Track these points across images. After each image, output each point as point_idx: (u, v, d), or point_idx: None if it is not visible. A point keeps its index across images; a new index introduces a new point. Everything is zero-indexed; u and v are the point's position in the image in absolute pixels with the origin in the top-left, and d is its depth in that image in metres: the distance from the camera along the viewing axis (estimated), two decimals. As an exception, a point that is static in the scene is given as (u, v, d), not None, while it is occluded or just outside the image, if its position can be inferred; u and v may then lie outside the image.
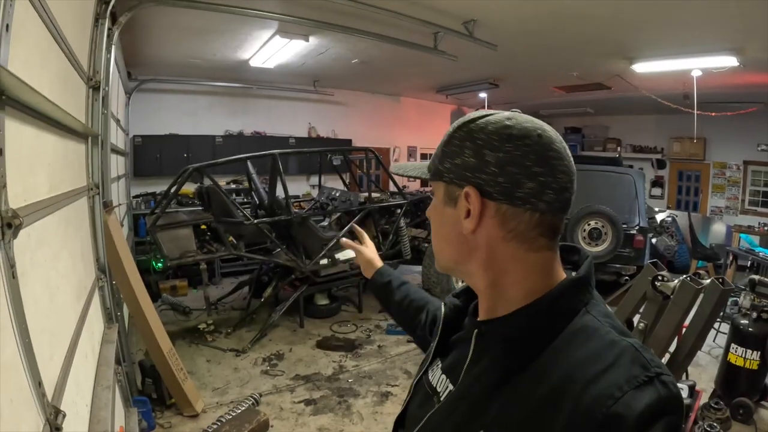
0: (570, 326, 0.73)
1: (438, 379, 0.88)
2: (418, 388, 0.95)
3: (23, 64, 1.27)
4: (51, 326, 1.52)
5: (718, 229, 9.76)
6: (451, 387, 0.83)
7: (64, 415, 1.38)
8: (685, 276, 2.44)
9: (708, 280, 2.40)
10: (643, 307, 2.65)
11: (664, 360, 2.65)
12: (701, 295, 2.38)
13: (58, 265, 1.70)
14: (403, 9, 4.55)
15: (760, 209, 9.99)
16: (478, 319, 0.85)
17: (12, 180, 1.16)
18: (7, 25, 1.08)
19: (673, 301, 2.44)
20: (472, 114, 0.81)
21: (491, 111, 0.80)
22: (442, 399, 0.84)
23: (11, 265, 1.15)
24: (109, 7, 2.74)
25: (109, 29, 2.98)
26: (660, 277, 2.47)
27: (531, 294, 0.76)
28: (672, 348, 2.82)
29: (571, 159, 0.77)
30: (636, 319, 2.70)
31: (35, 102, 1.31)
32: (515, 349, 0.74)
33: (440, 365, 0.91)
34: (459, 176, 0.78)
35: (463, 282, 0.95)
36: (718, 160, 10.42)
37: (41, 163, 1.55)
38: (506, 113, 0.78)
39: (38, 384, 1.26)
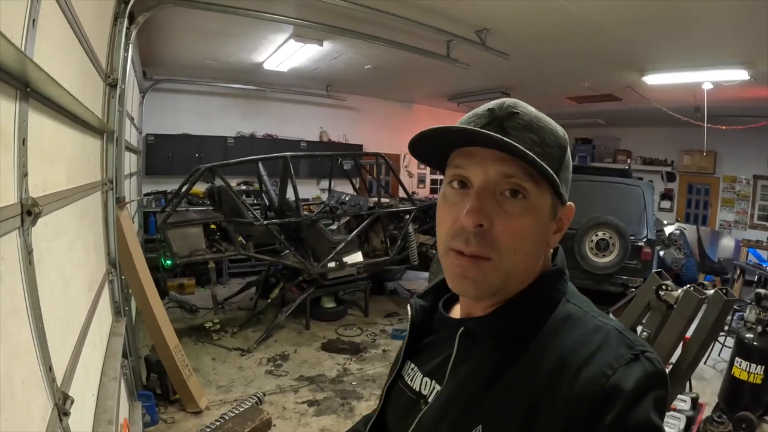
0: (554, 315, 0.75)
1: (421, 382, 0.87)
2: (394, 395, 0.93)
3: (47, 59, 1.32)
4: (63, 314, 1.56)
5: (727, 243, 9.68)
6: (438, 387, 0.83)
7: (72, 401, 1.42)
8: (688, 286, 2.45)
9: (712, 291, 2.41)
10: (646, 316, 2.66)
11: (667, 370, 2.63)
12: (704, 306, 2.40)
13: (72, 256, 1.74)
14: (417, 16, 4.59)
15: (769, 224, 9.92)
16: (462, 316, 0.86)
17: (33, 170, 1.21)
18: (34, 20, 1.13)
19: (676, 311, 2.45)
20: (546, 117, 0.77)
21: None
22: (429, 401, 0.82)
23: (29, 252, 1.19)
24: (129, 7, 2.80)
25: (126, 28, 3.04)
26: (664, 287, 2.48)
27: (520, 287, 0.78)
28: (674, 359, 2.83)
29: None
30: (639, 328, 2.71)
31: (57, 96, 1.36)
32: (505, 342, 0.75)
33: (417, 368, 0.90)
34: (566, 192, 0.78)
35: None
36: (728, 174, 10.36)
37: (61, 156, 1.60)
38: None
39: (49, 368, 1.30)
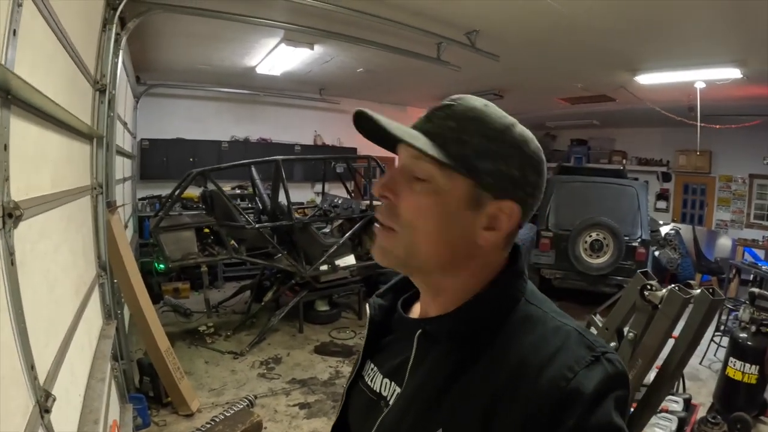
0: (513, 316, 0.75)
1: (381, 383, 0.86)
2: (354, 396, 0.93)
3: (30, 67, 1.35)
4: (48, 315, 1.59)
5: (724, 243, 9.70)
6: (398, 389, 0.82)
7: (54, 399, 1.44)
8: (673, 285, 2.47)
9: (698, 290, 2.43)
10: (632, 317, 2.68)
11: (652, 372, 2.65)
12: (691, 306, 2.42)
13: (57, 258, 1.77)
14: (407, 19, 4.62)
15: (765, 223, 9.94)
16: (419, 316, 0.86)
17: (15, 174, 1.24)
18: (14, 30, 1.16)
19: (661, 311, 2.46)
20: (495, 111, 0.76)
21: (506, 114, 0.77)
22: (390, 402, 0.82)
23: (10, 253, 1.22)
24: (117, 13, 2.84)
25: (117, 34, 3.07)
26: (649, 287, 2.50)
27: (479, 288, 0.77)
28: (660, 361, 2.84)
29: None
30: (625, 329, 2.72)
31: (40, 103, 1.39)
32: (464, 344, 0.75)
33: (376, 369, 0.89)
34: (500, 185, 0.74)
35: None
36: (723, 174, 10.38)
37: (45, 161, 1.62)
38: (525, 130, 0.77)
39: (30, 367, 1.32)
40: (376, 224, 0.79)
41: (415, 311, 0.90)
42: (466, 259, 0.77)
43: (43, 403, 1.36)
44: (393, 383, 0.83)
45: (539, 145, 0.78)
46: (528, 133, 0.77)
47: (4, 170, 1.18)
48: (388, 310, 0.94)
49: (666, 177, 11.04)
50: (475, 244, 0.75)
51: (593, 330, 2.87)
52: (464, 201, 0.73)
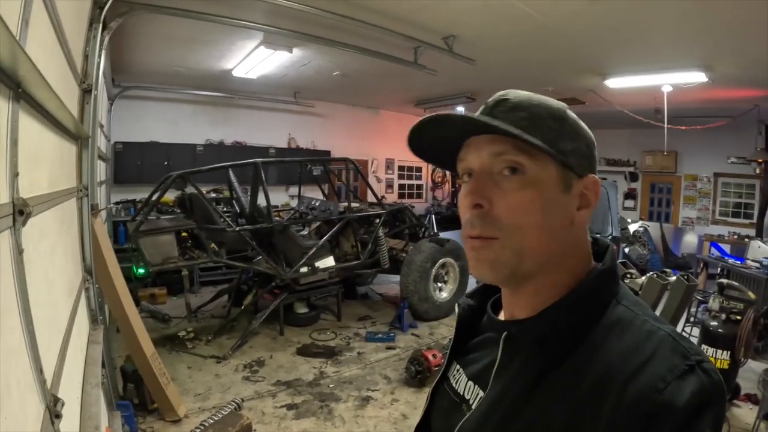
0: (604, 319, 0.71)
1: (465, 386, 0.85)
2: (438, 396, 0.92)
3: (35, 61, 1.33)
4: (49, 317, 1.56)
5: (690, 239, 10.08)
6: (481, 393, 0.79)
7: (63, 403, 1.42)
8: (652, 273, 2.58)
9: (674, 277, 2.54)
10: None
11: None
12: (667, 293, 2.53)
13: (54, 260, 1.74)
14: (386, 23, 4.68)
15: (730, 219, 10.36)
16: (506, 318, 0.83)
17: (21, 171, 1.22)
18: (26, 21, 1.15)
19: (641, 297, 2.57)
20: (545, 97, 0.77)
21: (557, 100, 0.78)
22: (473, 406, 0.80)
23: (20, 251, 1.20)
24: (103, 12, 2.80)
25: (100, 34, 3.02)
26: (629, 275, 2.60)
27: (569, 285, 0.74)
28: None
29: None
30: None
31: (44, 98, 1.37)
32: (550, 349, 0.71)
33: (462, 370, 0.87)
34: (580, 162, 0.74)
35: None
36: (689, 173, 10.79)
37: (44, 159, 1.60)
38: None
39: (39, 371, 1.30)
40: (470, 240, 0.75)
41: (503, 313, 0.87)
42: (569, 247, 0.75)
43: (53, 408, 1.34)
44: (477, 386, 0.82)
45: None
46: (569, 112, 0.77)
47: (14, 166, 1.16)
48: (477, 311, 0.92)
49: (633, 177, 11.39)
50: (572, 227, 0.74)
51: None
52: (559, 185, 0.72)
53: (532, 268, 0.73)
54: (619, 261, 2.79)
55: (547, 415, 0.67)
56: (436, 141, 0.78)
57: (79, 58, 2.50)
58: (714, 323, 4.05)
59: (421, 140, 0.79)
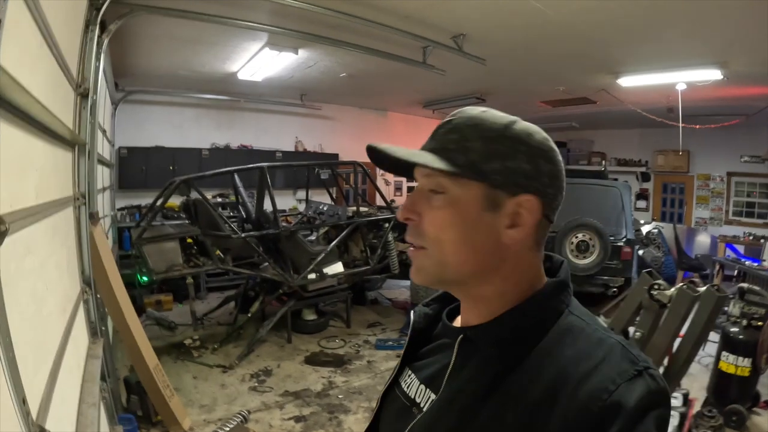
0: (556, 327, 0.74)
1: (417, 389, 0.86)
2: (389, 401, 0.93)
3: (14, 64, 1.21)
4: (36, 340, 1.44)
5: (703, 239, 9.88)
6: (433, 396, 0.81)
7: (50, 435, 1.31)
8: (681, 284, 2.44)
9: (704, 288, 2.41)
10: (639, 316, 2.65)
11: (660, 370, 2.63)
12: (697, 303, 2.40)
13: (44, 276, 1.63)
14: (394, 23, 4.56)
15: (743, 219, 10.18)
16: (461, 325, 0.85)
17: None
18: (0, 20, 1.03)
19: (670, 310, 2.44)
20: (493, 114, 0.78)
21: (506, 115, 0.79)
22: (424, 409, 0.81)
23: (-4, 274, 1.09)
24: (100, 14, 2.69)
25: (98, 37, 2.92)
26: (656, 286, 2.47)
27: (520, 297, 0.77)
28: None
29: None
30: (631, 329, 2.69)
31: (25, 104, 1.26)
32: (504, 353, 0.74)
33: (414, 375, 0.89)
34: (512, 182, 0.74)
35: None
36: (702, 172, 10.60)
37: (30, 169, 1.48)
38: (528, 124, 0.78)
39: (22, 401, 1.19)
40: (410, 248, 0.81)
41: (459, 321, 0.88)
42: (498, 262, 0.76)
43: (38, 440, 1.22)
44: (429, 390, 0.83)
45: (547, 135, 0.78)
46: (532, 127, 0.78)
47: (-11, 180, 1.05)
48: (433, 320, 0.94)
49: (645, 177, 11.19)
50: (502, 245, 0.75)
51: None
52: (481, 204, 0.74)
53: (456, 277, 0.78)
54: (646, 270, 2.65)
55: (501, 418, 0.70)
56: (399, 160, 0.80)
57: (74, 62, 2.39)
58: (734, 329, 3.92)
59: (386, 162, 0.82)
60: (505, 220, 0.74)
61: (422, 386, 0.85)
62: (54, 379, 1.59)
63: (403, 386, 0.90)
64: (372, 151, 0.79)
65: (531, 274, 0.79)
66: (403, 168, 0.82)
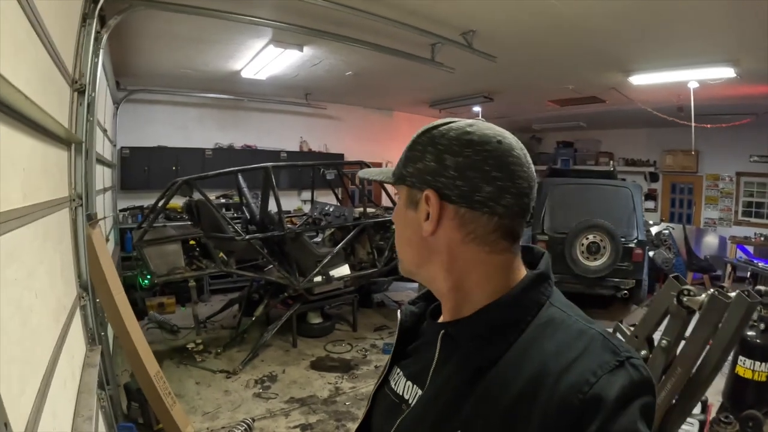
0: (536, 319, 0.75)
1: (404, 386, 0.88)
2: (379, 399, 0.95)
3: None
4: (22, 355, 1.32)
5: (711, 240, 9.76)
6: (419, 392, 0.83)
7: (37, 459, 1.18)
8: (713, 290, 2.33)
9: (734, 294, 2.30)
10: (664, 323, 2.53)
11: (687, 379, 2.51)
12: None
13: (33, 284, 1.50)
14: (402, 18, 4.43)
15: (753, 220, 10.03)
16: (441, 321, 0.87)
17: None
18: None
19: (702, 317, 2.32)
20: (436, 121, 0.83)
21: (455, 119, 0.82)
22: (411, 405, 0.83)
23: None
24: (98, 6, 2.57)
25: (97, 32, 2.80)
26: (686, 291, 2.36)
27: (494, 293, 0.78)
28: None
29: (531, 166, 0.81)
30: (656, 336, 2.57)
31: (5, 94, 1.13)
32: (484, 346, 0.75)
33: (401, 373, 0.91)
34: (420, 180, 0.80)
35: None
36: (710, 172, 10.46)
37: (16, 168, 1.36)
38: (468, 120, 0.81)
39: (5, 425, 1.07)
40: None
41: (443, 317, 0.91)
42: (429, 254, 0.82)
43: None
44: (415, 386, 0.85)
45: (474, 130, 0.78)
46: (452, 127, 0.80)
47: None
48: (419, 317, 0.97)
49: (653, 177, 11.06)
50: (424, 238, 0.81)
51: (621, 338, 2.73)
52: (405, 204, 0.84)
53: (410, 269, 0.87)
54: (674, 275, 2.52)
55: (484, 412, 0.71)
56: None
57: (69, 56, 2.27)
58: (751, 333, 3.79)
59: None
60: (422, 214, 0.80)
61: (409, 383, 0.87)
62: (44, 395, 1.48)
63: (392, 384, 0.92)
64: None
65: (487, 268, 0.79)
66: None
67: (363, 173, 0.95)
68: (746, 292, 2.32)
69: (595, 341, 0.70)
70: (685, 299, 2.38)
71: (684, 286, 2.40)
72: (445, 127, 0.80)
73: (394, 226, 0.91)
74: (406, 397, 0.86)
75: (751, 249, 8.64)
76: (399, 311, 0.99)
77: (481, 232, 0.77)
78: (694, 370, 2.48)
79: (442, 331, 0.83)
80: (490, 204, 0.76)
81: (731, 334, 2.32)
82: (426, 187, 0.79)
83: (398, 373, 0.92)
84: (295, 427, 3.89)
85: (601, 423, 0.61)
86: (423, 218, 0.80)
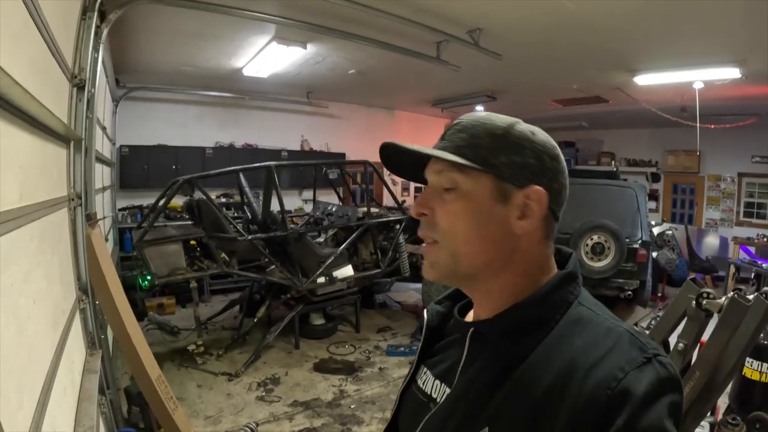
0: (565, 317, 0.76)
1: (432, 385, 0.88)
2: (407, 399, 0.94)
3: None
4: (19, 366, 1.24)
5: (712, 241, 9.73)
6: (447, 390, 0.83)
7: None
8: (732, 293, 2.27)
9: (753, 296, 2.24)
10: (681, 326, 2.47)
11: (704, 382, 2.45)
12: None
13: (29, 289, 1.41)
14: (409, 15, 4.36)
15: (754, 221, 10.03)
16: (472, 320, 0.87)
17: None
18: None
19: (721, 320, 2.27)
20: (497, 116, 0.82)
21: (509, 117, 0.82)
22: (439, 402, 0.83)
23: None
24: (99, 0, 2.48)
25: (97, 27, 2.72)
26: (705, 294, 2.30)
27: (530, 289, 0.78)
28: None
29: None
30: (672, 339, 2.52)
31: (2, 86, 1.05)
32: (514, 345, 0.75)
33: (429, 372, 0.91)
34: (520, 174, 0.77)
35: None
36: (712, 173, 10.45)
37: (12, 167, 1.27)
38: (530, 125, 0.81)
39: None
40: (423, 245, 0.83)
41: (470, 317, 0.91)
42: (509, 254, 0.78)
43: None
44: (443, 384, 0.85)
45: (548, 136, 0.81)
46: (534, 127, 0.81)
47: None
48: (445, 317, 0.96)
49: (655, 177, 11.02)
50: (513, 235, 0.78)
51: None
52: (492, 197, 0.77)
53: (469, 270, 0.79)
54: (691, 278, 2.47)
55: (511, 408, 0.70)
56: (408, 162, 0.85)
57: (69, 50, 2.18)
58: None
59: (394, 164, 0.87)
60: (515, 211, 0.77)
61: (437, 381, 0.87)
62: (44, 406, 1.40)
63: (419, 383, 0.92)
64: (385, 149, 0.82)
65: (540, 266, 0.81)
66: (410, 170, 0.86)
67: (402, 143, 0.81)
68: (764, 295, 2.27)
69: (623, 338, 0.70)
70: (704, 302, 2.32)
71: (703, 289, 2.33)
72: (524, 128, 0.80)
73: (443, 220, 0.79)
74: (435, 395, 0.85)
75: (753, 250, 8.60)
76: (425, 311, 0.98)
77: (551, 231, 0.81)
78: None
79: (472, 329, 0.82)
80: (562, 208, 0.81)
81: (749, 337, 2.27)
82: (528, 184, 0.77)
83: (426, 373, 0.91)
84: (300, 431, 3.81)
85: (629, 417, 0.62)
86: (515, 215, 0.77)
